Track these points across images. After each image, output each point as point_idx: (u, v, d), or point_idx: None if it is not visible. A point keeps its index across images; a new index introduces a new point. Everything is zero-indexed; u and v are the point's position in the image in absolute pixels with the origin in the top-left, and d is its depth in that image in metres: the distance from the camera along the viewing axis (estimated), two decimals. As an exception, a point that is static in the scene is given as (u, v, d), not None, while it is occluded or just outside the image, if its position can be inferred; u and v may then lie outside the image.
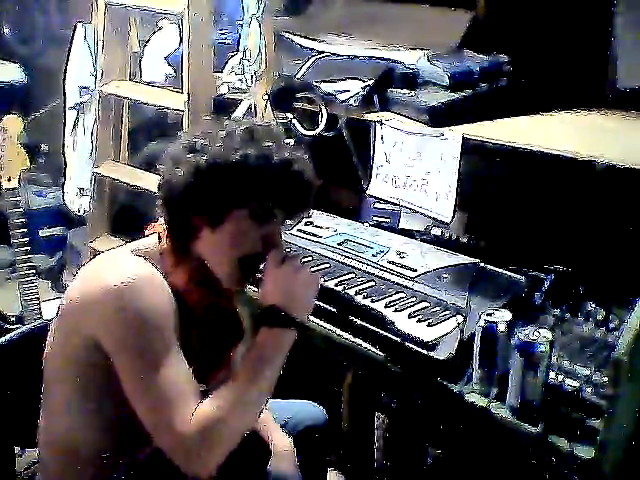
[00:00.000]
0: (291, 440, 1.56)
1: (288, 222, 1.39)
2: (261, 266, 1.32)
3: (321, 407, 1.73)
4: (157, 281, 1.25)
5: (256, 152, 1.25)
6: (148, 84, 2.80)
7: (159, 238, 1.34)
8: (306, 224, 2.06)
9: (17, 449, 1.55)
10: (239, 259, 1.31)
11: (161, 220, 1.35)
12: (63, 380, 1.31)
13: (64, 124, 3.12)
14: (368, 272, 1.81)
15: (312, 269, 1.81)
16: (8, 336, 1.50)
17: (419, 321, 1.58)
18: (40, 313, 2.43)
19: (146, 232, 1.38)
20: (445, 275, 1.74)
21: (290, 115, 2.15)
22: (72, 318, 1.29)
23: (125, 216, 2.92)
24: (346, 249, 1.92)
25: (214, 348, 1.41)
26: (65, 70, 3.05)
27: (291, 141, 2.08)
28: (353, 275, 1.82)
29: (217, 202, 1.26)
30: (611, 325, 1.49)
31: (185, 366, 1.23)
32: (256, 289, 1.34)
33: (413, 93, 1.87)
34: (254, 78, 2.28)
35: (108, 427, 1.31)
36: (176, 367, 1.21)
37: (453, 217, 1.85)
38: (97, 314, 1.22)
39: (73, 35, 3.01)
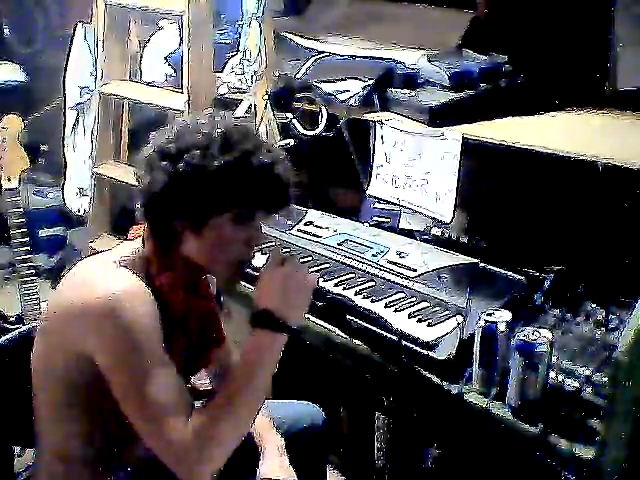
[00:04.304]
0: (283, 441, 1.55)
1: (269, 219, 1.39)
2: (258, 265, 1.32)
3: (319, 407, 1.72)
4: (144, 294, 1.24)
5: (234, 159, 1.23)
6: (148, 84, 2.80)
7: (143, 242, 1.34)
8: (306, 224, 2.06)
9: (17, 449, 1.55)
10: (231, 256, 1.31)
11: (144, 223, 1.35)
12: (50, 385, 1.31)
13: (64, 124, 3.11)
14: (368, 272, 1.81)
15: (312, 269, 1.81)
16: (8, 336, 1.50)
17: (419, 321, 1.58)
18: (40, 313, 2.43)
19: (129, 236, 1.38)
20: (445, 275, 1.73)
21: (290, 115, 2.15)
22: (57, 328, 1.28)
23: (125, 216, 2.91)
24: (346, 249, 1.92)
25: (194, 351, 1.42)
26: (65, 70, 3.05)
27: (291, 141, 2.09)
28: (353, 275, 1.81)
29: (197, 209, 1.25)
30: (611, 325, 1.49)
31: (176, 377, 1.23)
32: (252, 288, 1.34)
33: (413, 93, 1.87)
34: (254, 78, 2.28)
35: (97, 432, 1.31)
36: (168, 379, 1.21)
37: (453, 217, 1.86)
38: (86, 329, 1.22)
39: (73, 35, 3.00)
